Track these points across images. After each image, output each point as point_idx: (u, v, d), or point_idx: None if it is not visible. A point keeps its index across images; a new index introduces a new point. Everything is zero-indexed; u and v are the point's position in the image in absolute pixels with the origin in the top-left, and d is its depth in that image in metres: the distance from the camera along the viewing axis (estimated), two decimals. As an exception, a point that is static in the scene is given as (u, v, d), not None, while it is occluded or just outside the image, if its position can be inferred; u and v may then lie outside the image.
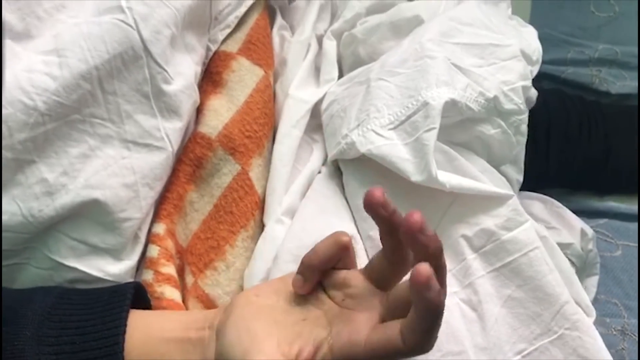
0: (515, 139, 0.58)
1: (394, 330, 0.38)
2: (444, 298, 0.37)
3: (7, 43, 0.48)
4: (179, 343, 0.43)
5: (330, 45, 0.66)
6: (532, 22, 0.99)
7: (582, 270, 0.75)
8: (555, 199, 0.77)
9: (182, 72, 0.53)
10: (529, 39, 0.63)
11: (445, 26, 0.60)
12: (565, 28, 1.00)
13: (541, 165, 0.75)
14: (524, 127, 0.59)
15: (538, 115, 0.71)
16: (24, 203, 0.47)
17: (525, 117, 0.59)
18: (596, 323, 0.74)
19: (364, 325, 0.40)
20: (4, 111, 0.45)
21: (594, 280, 0.77)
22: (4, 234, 0.47)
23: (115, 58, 0.48)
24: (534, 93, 0.67)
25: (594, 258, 0.76)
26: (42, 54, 0.48)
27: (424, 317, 0.36)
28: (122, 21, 0.49)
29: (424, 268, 0.35)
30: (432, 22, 0.62)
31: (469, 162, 0.54)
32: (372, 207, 0.39)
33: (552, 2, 1.03)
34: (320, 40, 0.67)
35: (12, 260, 0.49)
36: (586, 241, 0.73)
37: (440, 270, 0.38)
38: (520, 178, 0.65)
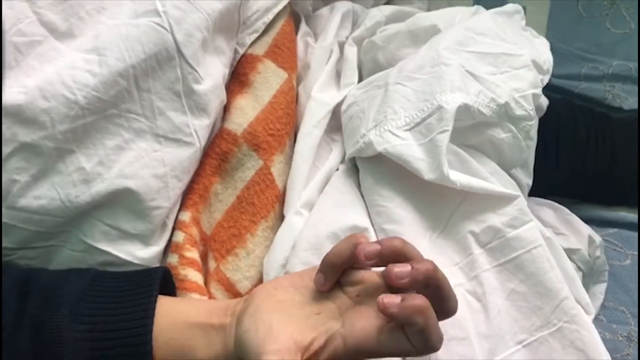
0: (525, 144, 0.61)
1: (402, 333, 0.41)
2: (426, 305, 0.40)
3: (52, 42, 0.52)
4: (202, 328, 0.46)
5: (351, 52, 0.69)
6: (548, 36, 1.01)
7: (590, 276, 0.77)
8: (565, 207, 0.79)
9: (212, 73, 0.56)
10: (540, 49, 0.66)
11: (461, 35, 0.63)
12: (581, 44, 1.02)
13: (551, 173, 0.77)
14: (534, 133, 0.62)
15: (548, 124, 0.74)
16: (63, 189, 0.50)
17: (534, 123, 0.62)
18: (603, 329, 0.76)
19: (378, 319, 0.42)
20: (47, 104, 0.49)
21: (601, 288, 0.79)
22: (43, 217, 0.51)
23: (151, 58, 0.52)
24: (544, 101, 0.70)
25: (601, 265, 0.78)
26: (84, 52, 0.52)
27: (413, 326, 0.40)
28: (158, 24, 0.52)
29: (385, 303, 0.40)
30: (448, 31, 0.65)
31: (480, 164, 0.57)
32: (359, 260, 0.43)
33: (568, 18, 1.05)
34: (341, 46, 0.70)
35: (49, 243, 0.53)
36: (594, 248, 0.75)
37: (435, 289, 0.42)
38: (530, 182, 0.67)
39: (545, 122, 0.71)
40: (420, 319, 0.39)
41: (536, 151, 0.70)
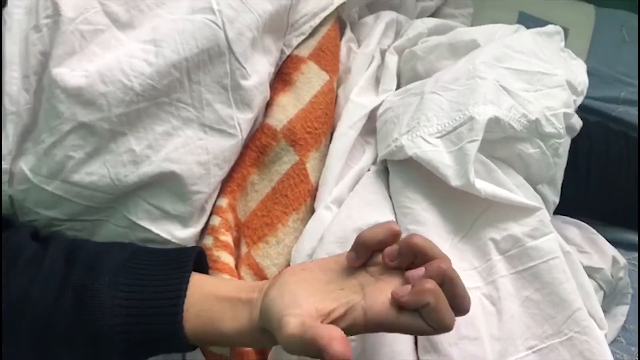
0: (552, 161, 0.63)
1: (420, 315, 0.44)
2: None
3: (114, 31, 0.57)
4: (230, 302, 0.50)
5: (392, 60, 0.72)
6: (590, 59, 1.02)
7: (612, 297, 0.78)
8: (592, 228, 0.80)
9: (258, 70, 0.60)
10: (576, 71, 0.68)
11: (499, 51, 0.65)
12: (622, 68, 1.03)
13: (580, 193, 0.79)
14: (562, 151, 0.64)
15: (581, 145, 0.75)
16: (113, 168, 0.54)
17: (564, 141, 0.64)
18: (622, 350, 0.77)
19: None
20: (106, 88, 0.53)
21: (623, 309, 0.80)
22: (93, 193, 0.55)
23: (203, 52, 0.56)
24: (578, 122, 0.72)
25: (624, 287, 0.78)
26: (142, 43, 0.56)
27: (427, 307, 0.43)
28: (212, 21, 0.56)
29: (397, 294, 0.44)
30: (487, 47, 0.67)
31: (507, 176, 0.59)
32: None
33: (611, 42, 1.06)
34: (383, 54, 0.73)
35: (96, 217, 0.57)
36: (617, 269, 0.76)
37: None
38: (557, 200, 0.69)
39: (578, 143, 0.72)
40: (431, 299, 0.42)
41: (567, 171, 0.71)
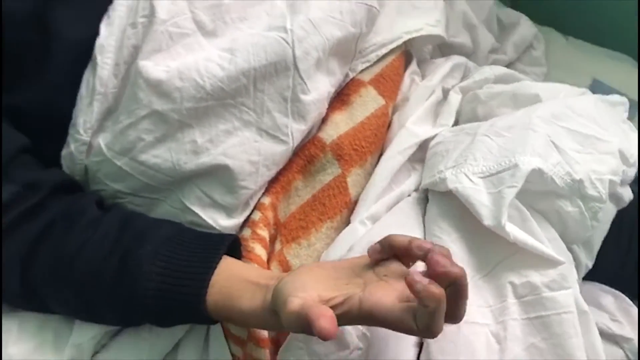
0: (590, 223, 0.63)
1: (410, 313, 0.47)
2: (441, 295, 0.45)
3: (198, 37, 0.64)
4: (250, 284, 0.55)
5: (455, 98, 0.75)
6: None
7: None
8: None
9: (318, 88, 0.65)
10: (632, 143, 0.68)
11: (558, 110, 0.67)
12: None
13: (619, 265, 0.77)
14: (602, 216, 0.63)
15: (627, 218, 0.74)
16: (176, 154, 0.61)
17: (608, 208, 0.64)
18: None
19: (395, 292, 0.49)
20: (181, 84, 0.60)
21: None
22: (155, 173, 0.61)
23: (271, 65, 0.62)
24: (628, 195, 0.71)
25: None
26: (220, 50, 0.62)
27: (424, 308, 0.45)
28: (283, 39, 0.62)
29: (414, 278, 0.46)
30: (548, 103, 0.69)
31: (541, 228, 0.60)
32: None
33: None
34: (445, 92, 0.76)
35: (154, 195, 0.64)
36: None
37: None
38: (590, 264, 0.68)
39: (624, 216, 0.72)
40: (433, 304, 0.45)
41: (608, 241, 0.71)
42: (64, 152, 0.63)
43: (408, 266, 0.53)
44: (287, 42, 0.62)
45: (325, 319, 0.45)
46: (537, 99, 0.72)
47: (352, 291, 0.49)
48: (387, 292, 0.49)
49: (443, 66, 0.77)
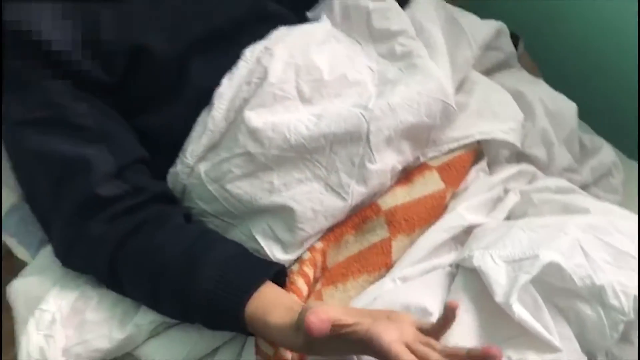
0: (610, 333, 0.66)
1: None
2: None
3: (296, 102, 0.78)
4: (284, 306, 0.65)
5: (512, 199, 0.82)
6: None
7: None
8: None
9: (386, 162, 0.76)
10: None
11: (600, 223, 0.72)
12: None
13: None
14: (623, 329, 0.66)
15: None
16: (255, 189, 0.74)
17: (632, 322, 0.67)
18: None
19: (397, 333, 0.57)
20: (272, 134, 0.73)
21: None
22: (235, 202, 0.75)
23: (347, 134, 0.74)
24: None
25: None
26: (310, 114, 0.76)
27: None
28: (362, 115, 0.75)
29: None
30: (594, 215, 0.75)
31: (555, 322, 0.65)
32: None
33: None
34: (506, 191, 0.83)
35: (231, 220, 0.77)
36: None
37: None
38: None
39: None
40: None
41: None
42: (171, 170, 0.78)
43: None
44: (365, 118, 0.75)
45: (316, 316, 0.54)
46: (585, 212, 0.77)
47: (363, 320, 0.58)
48: (391, 330, 0.57)
49: (510, 169, 0.85)
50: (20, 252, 0.86)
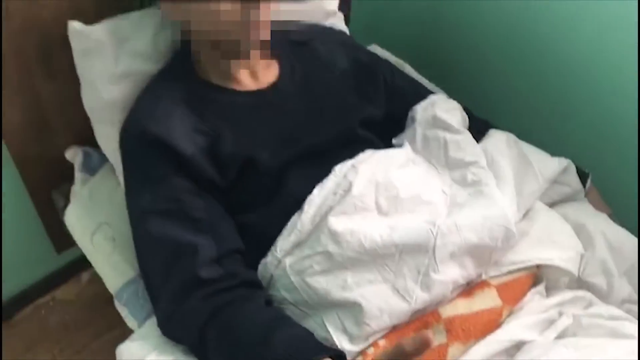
0: None
1: None
2: None
3: (374, 213, 0.90)
4: None
5: (566, 321, 0.88)
6: None
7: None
8: None
9: (448, 273, 0.86)
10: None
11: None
12: None
13: None
14: None
15: None
16: (329, 285, 0.85)
17: None
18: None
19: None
20: (350, 239, 0.86)
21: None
22: (311, 294, 0.86)
23: (415, 245, 0.85)
24: None
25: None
26: (384, 225, 0.87)
27: None
28: (431, 230, 0.86)
29: None
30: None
31: None
32: None
33: None
34: (560, 313, 0.90)
35: (306, 310, 0.87)
36: None
37: None
38: None
39: None
40: None
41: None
42: (262, 261, 0.91)
43: None
44: (432, 233, 0.85)
45: None
46: (632, 339, 0.82)
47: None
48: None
49: (566, 294, 0.92)
50: (129, 320, 1.01)
